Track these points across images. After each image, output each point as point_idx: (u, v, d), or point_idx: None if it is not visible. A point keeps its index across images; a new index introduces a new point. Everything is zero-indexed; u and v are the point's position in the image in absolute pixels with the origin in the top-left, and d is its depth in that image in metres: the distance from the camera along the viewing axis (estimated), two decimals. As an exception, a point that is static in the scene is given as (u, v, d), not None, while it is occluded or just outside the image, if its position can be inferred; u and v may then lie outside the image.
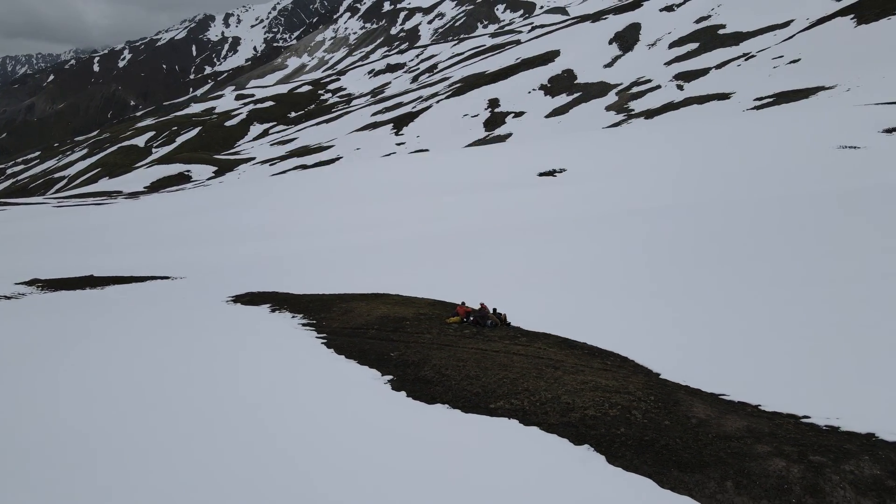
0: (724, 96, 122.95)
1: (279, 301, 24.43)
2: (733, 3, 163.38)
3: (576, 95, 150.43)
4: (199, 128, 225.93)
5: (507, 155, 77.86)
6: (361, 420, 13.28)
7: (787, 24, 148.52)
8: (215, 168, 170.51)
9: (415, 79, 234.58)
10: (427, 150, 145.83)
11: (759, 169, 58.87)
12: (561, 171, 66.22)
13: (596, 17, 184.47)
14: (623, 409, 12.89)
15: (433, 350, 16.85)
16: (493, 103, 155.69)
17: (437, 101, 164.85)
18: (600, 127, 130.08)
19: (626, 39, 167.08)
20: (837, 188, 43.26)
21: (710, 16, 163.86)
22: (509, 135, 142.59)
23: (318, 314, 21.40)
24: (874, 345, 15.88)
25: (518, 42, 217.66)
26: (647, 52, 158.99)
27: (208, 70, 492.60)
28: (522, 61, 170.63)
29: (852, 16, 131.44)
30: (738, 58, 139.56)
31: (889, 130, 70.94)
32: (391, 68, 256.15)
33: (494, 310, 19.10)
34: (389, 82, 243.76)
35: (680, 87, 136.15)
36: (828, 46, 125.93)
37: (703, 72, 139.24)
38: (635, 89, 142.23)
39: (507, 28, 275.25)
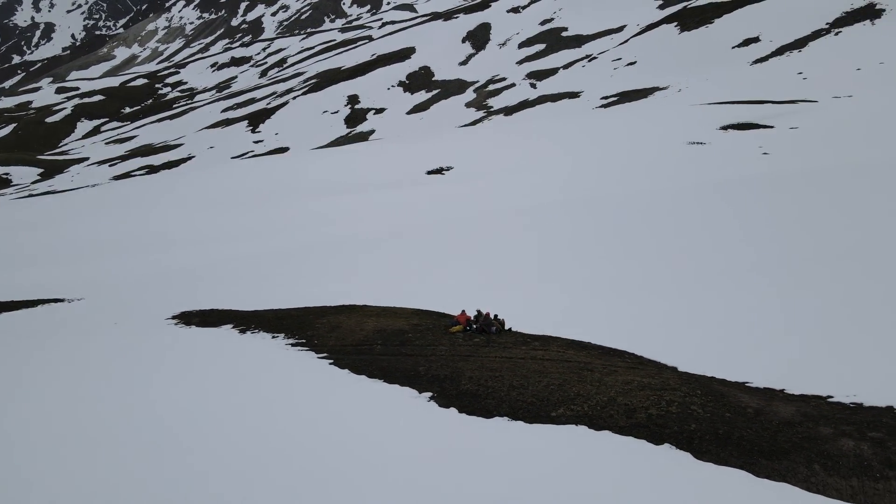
0: (574, 94, 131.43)
1: (241, 320, 22.75)
2: (572, 7, 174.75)
3: (435, 92, 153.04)
4: (14, 125, 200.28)
5: (390, 153, 77.68)
6: (435, 447, 12.96)
7: (620, 28, 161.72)
8: (40, 170, 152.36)
9: (264, 73, 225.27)
10: (287, 149, 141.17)
11: (627, 164, 63.85)
12: (448, 168, 67.36)
13: (448, 15, 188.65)
14: (680, 405, 13.77)
15: (458, 362, 16.75)
16: (353, 99, 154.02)
17: (294, 98, 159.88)
18: (462, 123, 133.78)
19: (479, 38, 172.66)
20: (710, 179, 48.41)
21: (553, 18, 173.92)
22: (372, 131, 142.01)
23: (301, 333, 20.26)
24: (836, 322, 18.24)
25: (370, 38, 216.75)
26: (499, 52, 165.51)
27: (17, 59, 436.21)
28: (379, 57, 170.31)
29: (676, 23, 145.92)
30: (582, 59, 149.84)
31: (725, 127, 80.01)
32: (236, 62, 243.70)
33: (496, 315, 19.31)
34: (236, 76, 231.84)
35: (533, 86, 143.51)
36: (658, 50, 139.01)
37: (553, 71, 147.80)
38: (492, 87, 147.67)
39: (355, 23, 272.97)
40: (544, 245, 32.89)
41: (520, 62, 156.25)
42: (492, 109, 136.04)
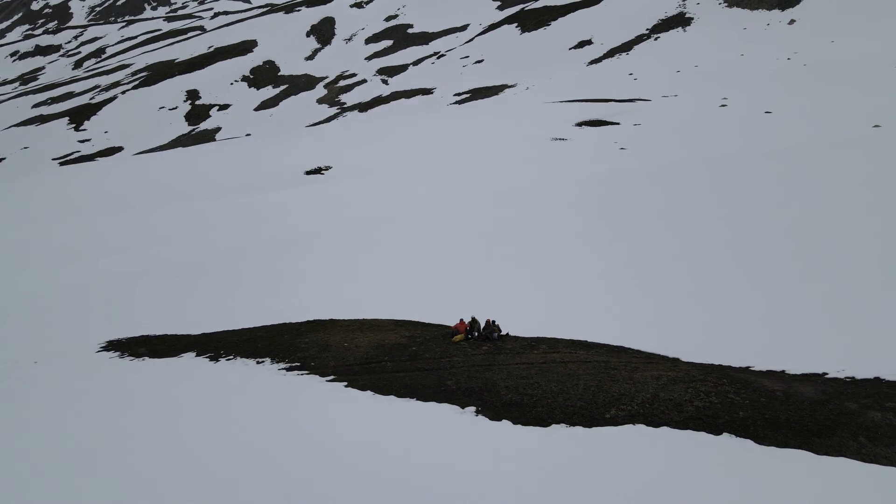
0: (427, 91, 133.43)
1: (200, 346, 20.52)
2: (415, 4, 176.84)
3: (283, 88, 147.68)
4: None
5: (259, 153, 73.73)
6: (515, 465, 12.78)
7: (465, 27, 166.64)
8: None
9: (78, 64, 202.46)
10: (121, 148, 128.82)
11: (505, 160, 66.30)
12: (327, 168, 65.47)
13: (289, 8, 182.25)
14: (717, 395, 14.81)
15: (483, 372, 16.58)
16: (193, 95, 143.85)
17: (124, 92, 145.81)
18: (315, 119, 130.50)
19: (323, 33, 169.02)
20: (589, 173, 51.80)
21: (397, 15, 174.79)
22: (218, 129, 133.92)
23: (288, 355, 18.75)
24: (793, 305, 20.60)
25: (203, 29, 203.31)
26: (346, 47, 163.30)
27: None
28: (218, 50, 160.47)
29: (516, 24, 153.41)
30: (431, 56, 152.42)
31: (580, 124, 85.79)
32: (43, 51, 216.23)
33: (493, 321, 19.32)
34: (43, 67, 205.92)
35: (385, 82, 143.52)
36: (503, 50, 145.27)
37: (403, 68, 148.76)
38: (342, 83, 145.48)
39: (181, 12, 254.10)
40: (466, 244, 33.29)
41: (369, 58, 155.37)
42: (345, 106, 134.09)
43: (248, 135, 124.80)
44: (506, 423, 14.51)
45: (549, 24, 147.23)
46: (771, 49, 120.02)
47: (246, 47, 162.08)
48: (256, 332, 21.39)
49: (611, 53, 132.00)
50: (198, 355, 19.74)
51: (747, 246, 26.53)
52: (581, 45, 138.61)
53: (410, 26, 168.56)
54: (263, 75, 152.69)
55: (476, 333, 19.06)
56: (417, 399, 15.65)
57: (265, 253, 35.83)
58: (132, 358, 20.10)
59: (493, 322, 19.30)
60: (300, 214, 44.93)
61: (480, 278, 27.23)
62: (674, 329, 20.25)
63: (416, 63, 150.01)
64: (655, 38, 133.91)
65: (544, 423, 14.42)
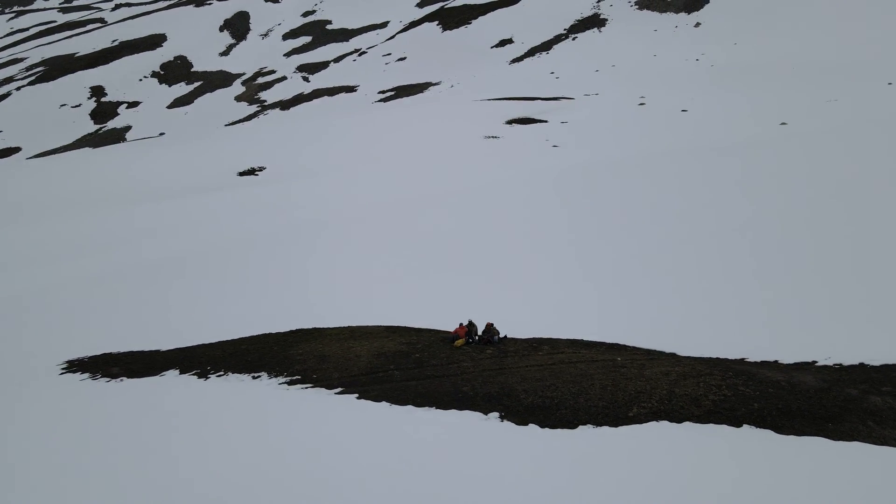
0: (350, 88, 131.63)
1: (181, 362, 19.28)
2: (333, 0, 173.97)
3: (197, 84, 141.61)
4: None
5: (182, 153, 70.30)
6: (554, 469, 12.78)
7: (385, 24, 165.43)
8: None
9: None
10: (18, 149, 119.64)
11: (445, 158, 66.38)
12: (260, 169, 63.26)
13: (199, 1, 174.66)
14: (729, 388, 15.39)
15: (497, 377, 16.49)
16: (98, 91, 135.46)
17: (18, 88, 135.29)
18: (233, 117, 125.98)
19: (238, 28, 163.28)
20: (533, 170, 52.65)
21: (314, 11, 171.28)
22: (128, 128, 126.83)
23: (285, 368, 17.90)
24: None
25: (103, 21, 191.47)
26: (263, 43, 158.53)
27: None
28: (123, 44, 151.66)
29: (437, 22, 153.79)
30: (352, 53, 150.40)
31: (510, 122, 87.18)
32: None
33: (492, 325, 19.26)
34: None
35: (306, 79, 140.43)
36: (425, 47, 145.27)
37: (324, 65, 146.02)
38: (261, 80, 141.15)
39: (77, 2, 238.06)
40: (434, 245, 33.08)
41: (287, 54, 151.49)
42: (266, 104, 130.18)
43: (161, 134, 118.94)
44: (533, 428, 14.48)
45: (470, 23, 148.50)
46: (680, 50, 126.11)
47: (154, 41, 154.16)
48: (241, 345, 20.34)
49: (532, 52, 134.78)
50: (183, 373, 18.53)
51: (717, 240, 27.76)
52: (502, 43, 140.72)
53: (329, 22, 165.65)
54: (175, 71, 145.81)
55: (476, 337, 18.94)
56: (437, 407, 15.37)
57: (218, 259, 34.23)
58: (108, 379, 18.61)
59: (492, 325, 19.25)
60: (247, 217, 43.19)
61: (457, 281, 27.11)
62: (662, 324, 20.91)
63: (337, 60, 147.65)
64: (573, 38, 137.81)
65: (571, 424, 14.51)
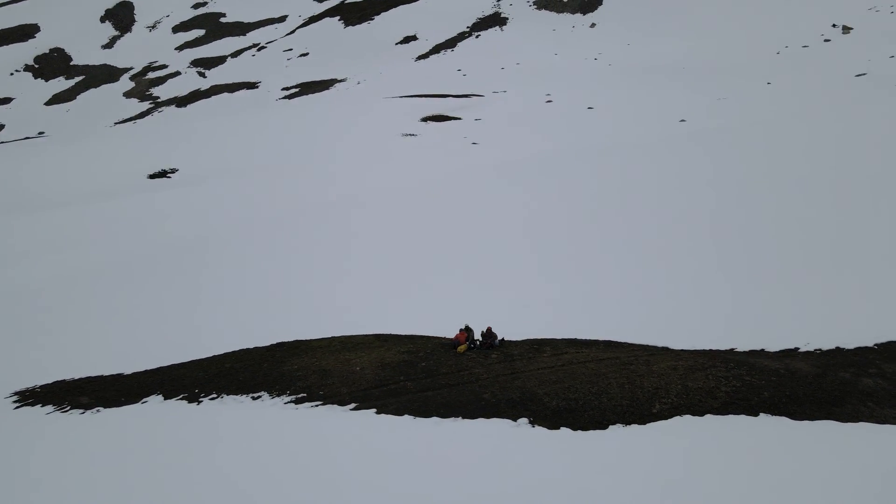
0: (252, 85, 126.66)
1: (159, 386, 17.63)
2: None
3: (79, 79, 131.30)
4: None
5: (79, 155, 64.78)
6: (607, 473, 12.85)
7: (283, 18, 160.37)
8: None
9: None
10: None
11: (368, 156, 65.32)
12: (173, 171, 59.45)
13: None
14: (736, 378, 16.11)
15: (514, 381, 16.36)
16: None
17: None
18: (124, 115, 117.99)
19: (121, 19, 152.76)
20: (461, 167, 52.83)
21: (206, 2, 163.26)
22: (0, 126, 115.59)
23: (286, 386, 16.80)
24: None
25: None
26: (151, 35, 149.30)
27: None
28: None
29: (339, 17, 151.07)
30: (251, 48, 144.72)
31: (425, 119, 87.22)
32: None
33: (491, 329, 19.09)
34: None
35: (202, 75, 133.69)
36: (328, 43, 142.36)
37: (221, 60, 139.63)
38: (152, 75, 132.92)
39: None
40: (385, 246, 32.43)
41: (180, 48, 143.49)
42: (160, 100, 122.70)
43: (41, 133, 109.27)
44: (566, 431, 14.50)
45: (372, 19, 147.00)
46: (579, 50, 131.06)
47: (26, 32, 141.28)
48: (223, 363, 18.95)
49: (437, 49, 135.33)
50: (168, 398, 17.00)
51: (683, 231, 28.83)
52: (407, 40, 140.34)
53: (223, 15, 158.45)
54: (52, 64, 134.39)
55: (477, 342, 18.72)
56: (463, 417, 15.04)
57: (148, 269, 31.81)
58: (81, 410, 16.73)
59: (491, 329, 19.09)
60: (173, 222, 40.43)
61: (427, 284, 26.69)
62: (643, 318, 21.57)
63: (234, 55, 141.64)
64: (477, 36, 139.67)
65: (601, 425, 14.65)
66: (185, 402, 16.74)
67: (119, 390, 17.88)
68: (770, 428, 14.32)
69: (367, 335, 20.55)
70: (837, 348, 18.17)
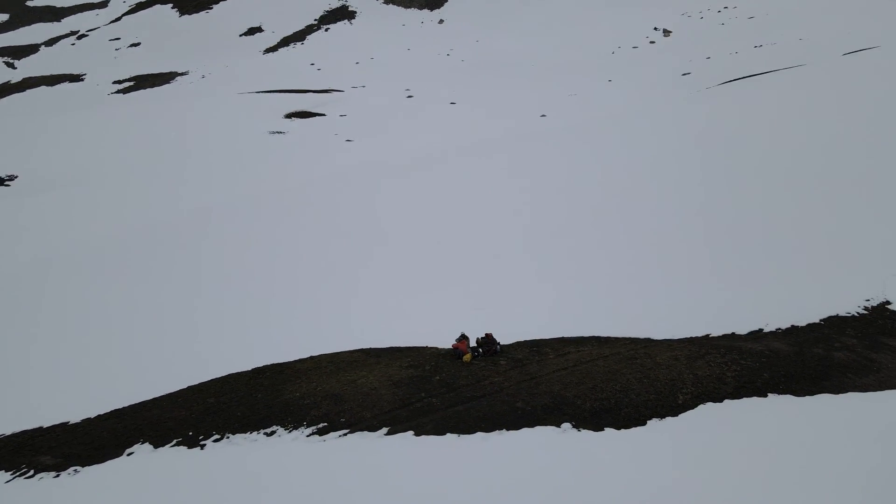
0: (75, 77, 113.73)
1: (136, 432, 15.19)
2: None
3: None
4: None
5: None
6: (674, 470, 13.28)
7: (104, 3, 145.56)
8: None
9: None
10: None
11: (238, 158, 61.46)
12: (11, 178, 51.50)
13: None
14: (734, 362, 17.38)
15: (536, 386, 16.28)
16: None
17: None
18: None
19: None
20: (341, 166, 51.47)
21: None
22: None
23: (298, 417, 15.20)
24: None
25: None
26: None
27: None
28: None
29: (171, 5, 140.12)
30: (68, 35, 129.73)
31: (289, 115, 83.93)
32: None
33: (490, 335, 18.83)
34: None
35: (11, 65, 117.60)
36: (162, 32, 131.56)
37: (33, 48, 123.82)
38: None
39: None
40: (320, 250, 30.75)
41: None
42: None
43: None
44: (611, 431, 14.73)
45: (211, 8, 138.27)
46: (431, 45, 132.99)
47: None
48: (205, 398, 16.75)
49: (286, 42, 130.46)
50: (159, 446, 14.70)
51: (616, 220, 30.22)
52: (252, 31, 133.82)
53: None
54: None
55: (480, 350, 18.38)
56: (507, 429, 14.71)
57: (43, 283, 27.47)
58: (55, 473, 13.90)
59: (491, 335, 18.84)
60: (34, 238, 35.13)
61: (371, 292, 25.62)
62: (613, 310, 22.46)
63: (49, 43, 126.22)
64: (326, 30, 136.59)
65: (640, 422, 15.07)
66: (183, 447, 14.61)
67: (85, 443, 15.18)
68: (783, 406, 15.62)
69: (351, 351, 19.36)
70: (793, 326, 20.24)
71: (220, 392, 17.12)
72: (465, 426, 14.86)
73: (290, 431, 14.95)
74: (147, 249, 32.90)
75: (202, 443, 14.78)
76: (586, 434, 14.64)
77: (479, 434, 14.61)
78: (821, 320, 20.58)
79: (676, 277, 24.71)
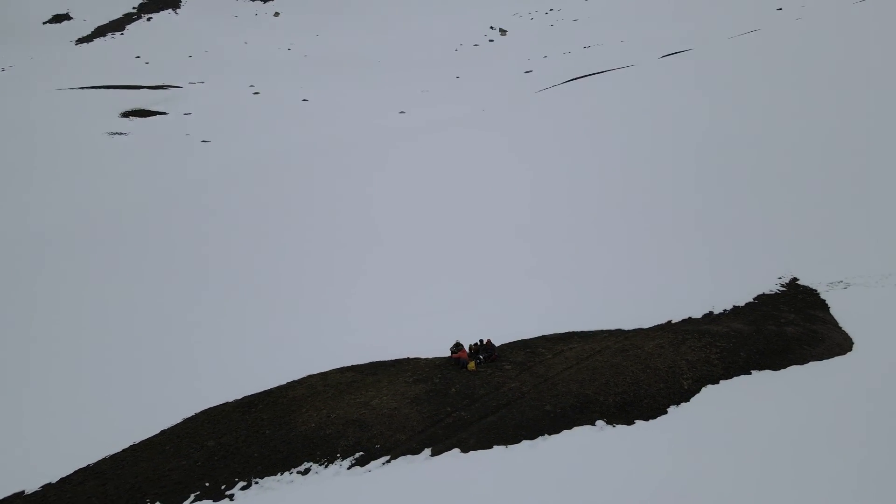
0: None
1: (143, 487, 12.92)
2: None
3: None
4: None
5: None
6: (707, 450, 14.15)
7: None
8: None
9: None
10: None
11: (71, 165, 54.60)
12: None
13: None
14: (711, 345, 18.83)
15: (556, 388, 16.39)
16: None
17: None
18: None
19: None
20: (218, 168, 47.93)
21: None
22: None
23: (327, 450, 13.81)
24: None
25: None
26: None
27: None
28: None
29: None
30: None
31: (126, 114, 76.37)
32: None
33: (489, 340, 18.58)
34: None
35: None
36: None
37: None
38: None
39: None
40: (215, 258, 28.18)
41: None
42: None
43: None
44: (641, 423, 15.32)
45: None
46: (269, 39, 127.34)
47: None
48: (203, 440, 14.60)
49: (101, 32, 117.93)
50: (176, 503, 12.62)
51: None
52: (58, 19, 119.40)
53: None
54: None
55: (481, 357, 18.08)
56: (549, 433, 14.72)
57: None
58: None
59: (490, 341, 18.61)
60: None
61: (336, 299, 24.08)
62: (578, 305, 23.21)
63: None
64: (148, 19, 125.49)
65: (662, 411, 15.83)
66: (208, 502, 12.71)
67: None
68: (769, 381, 17.26)
69: (341, 370, 18.11)
70: (734, 307, 22.39)
71: (215, 432, 15.12)
72: (507, 436, 14.62)
73: (326, 466, 13.66)
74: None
75: (228, 493, 12.99)
76: (621, 429, 15.09)
77: (525, 443, 14.46)
78: (754, 298, 23.02)
79: (617, 270, 26.15)
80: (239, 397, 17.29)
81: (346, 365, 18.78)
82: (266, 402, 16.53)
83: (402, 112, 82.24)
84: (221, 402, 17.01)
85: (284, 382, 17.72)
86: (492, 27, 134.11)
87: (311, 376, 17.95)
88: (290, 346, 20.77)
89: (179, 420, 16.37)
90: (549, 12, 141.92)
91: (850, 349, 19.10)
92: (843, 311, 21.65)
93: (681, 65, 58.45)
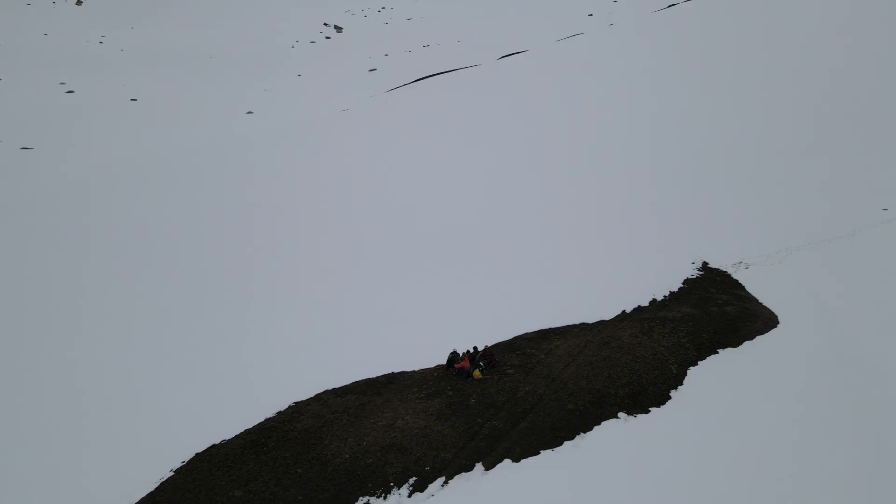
0: None
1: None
2: None
3: None
4: None
5: None
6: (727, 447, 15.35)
7: None
8: None
9: None
10: None
11: None
12: None
13: None
14: (676, 330, 20.28)
15: (564, 387, 16.59)
16: None
17: None
18: None
19: None
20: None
21: None
22: None
23: (381, 482, 12.73)
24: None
25: None
26: None
27: None
28: None
29: None
30: None
31: None
32: None
33: (487, 348, 18.34)
34: None
35: None
36: None
37: None
38: None
39: None
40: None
41: None
42: None
43: None
44: (656, 411, 16.13)
45: None
46: (73, 30, 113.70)
47: None
48: (224, 491, 12.68)
49: None
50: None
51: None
52: None
53: None
54: None
55: (482, 364, 17.81)
56: (583, 432, 15.00)
57: None
58: None
59: (488, 347, 18.37)
60: None
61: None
62: (528, 304, 23.66)
63: None
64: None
65: (667, 396, 16.77)
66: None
67: None
68: (735, 357, 19.02)
69: (343, 392, 16.80)
70: (670, 292, 24.31)
71: (235, 480, 13.27)
72: (547, 440, 14.64)
73: (384, 498, 12.66)
74: None
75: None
76: (642, 418, 15.77)
77: (566, 444, 14.59)
78: (683, 283, 25.17)
79: (559, 267, 27.13)
80: (227, 437, 15.42)
81: (328, 388, 17.53)
82: (275, 438, 14.88)
83: (249, 112, 77.90)
84: (209, 445, 15.05)
85: (272, 413, 16.12)
86: (326, 24, 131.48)
87: (308, 403, 16.50)
88: (261, 373, 18.93)
89: (170, 473, 14.23)
90: (382, 10, 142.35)
91: (778, 322, 21.66)
92: (755, 288, 24.47)
93: (525, 64, 61.90)
